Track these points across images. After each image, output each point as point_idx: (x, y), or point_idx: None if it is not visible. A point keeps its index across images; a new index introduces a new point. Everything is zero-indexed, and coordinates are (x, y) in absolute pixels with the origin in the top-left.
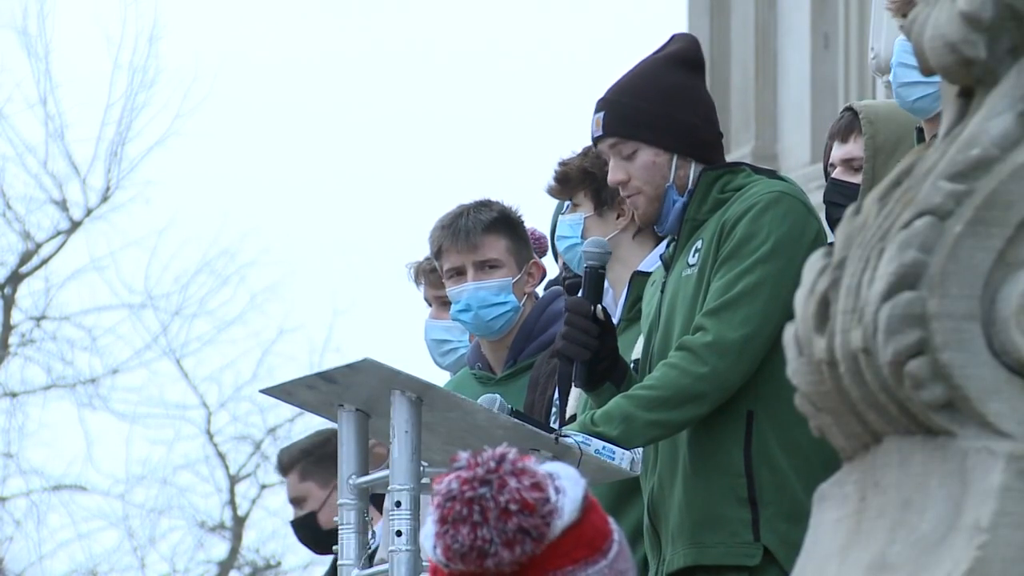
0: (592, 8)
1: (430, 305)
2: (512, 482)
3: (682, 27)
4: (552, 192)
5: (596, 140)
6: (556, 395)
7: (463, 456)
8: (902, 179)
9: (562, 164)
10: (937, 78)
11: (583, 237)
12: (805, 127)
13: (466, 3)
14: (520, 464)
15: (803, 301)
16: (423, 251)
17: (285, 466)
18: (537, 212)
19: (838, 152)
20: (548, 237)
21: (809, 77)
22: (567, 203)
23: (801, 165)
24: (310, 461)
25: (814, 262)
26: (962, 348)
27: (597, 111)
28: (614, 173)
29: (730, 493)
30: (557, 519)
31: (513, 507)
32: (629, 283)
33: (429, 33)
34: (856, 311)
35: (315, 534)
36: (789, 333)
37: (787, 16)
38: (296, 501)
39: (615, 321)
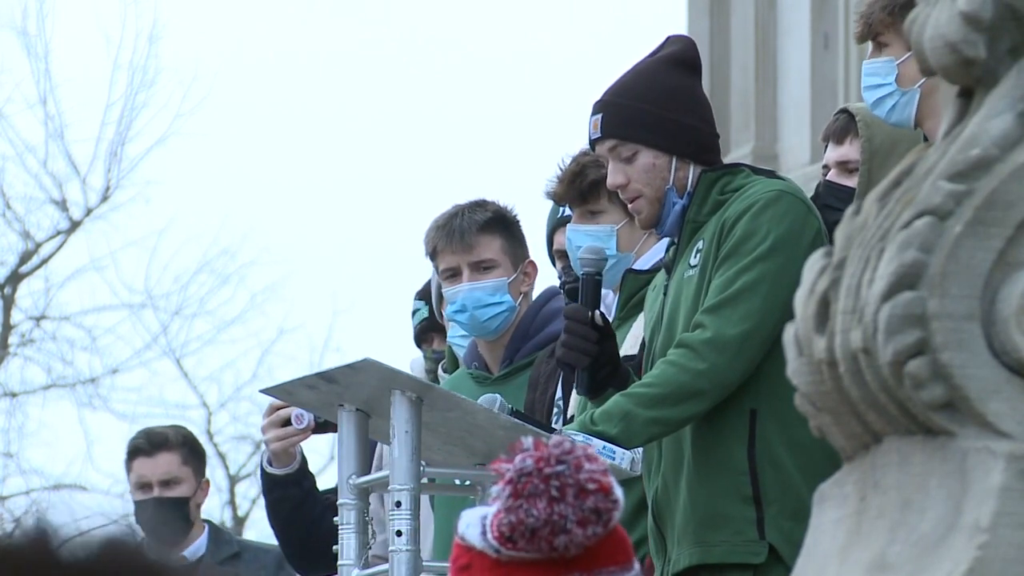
0: (592, 8)
1: None
2: (587, 464)
3: (682, 27)
4: (562, 196)
5: (594, 142)
6: (558, 395)
7: (527, 441)
8: (902, 179)
9: (580, 171)
10: (892, 81)
11: (618, 247)
12: (805, 127)
13: (466, 3)
14: (590, 451)
15: (803, 301)
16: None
17: (171, 442)
18: (533, 212)
19: (833, 154)
20: (547, 243)
21: (809, 77)
22: (564, 209)
23: (801, 165)
24: (192, 450)
25: (814, 262)
26: (962, 348)
27: (595, 113)
28: (613, 176)
29: (734, 492)
30: (617, 512)
31: (591, 486)
32: (622, 281)
33: (429, 33)
34: (856, 311)
35: (183, 518)
36: (789, 333)
37: (787, 16)
38: (168, 481)
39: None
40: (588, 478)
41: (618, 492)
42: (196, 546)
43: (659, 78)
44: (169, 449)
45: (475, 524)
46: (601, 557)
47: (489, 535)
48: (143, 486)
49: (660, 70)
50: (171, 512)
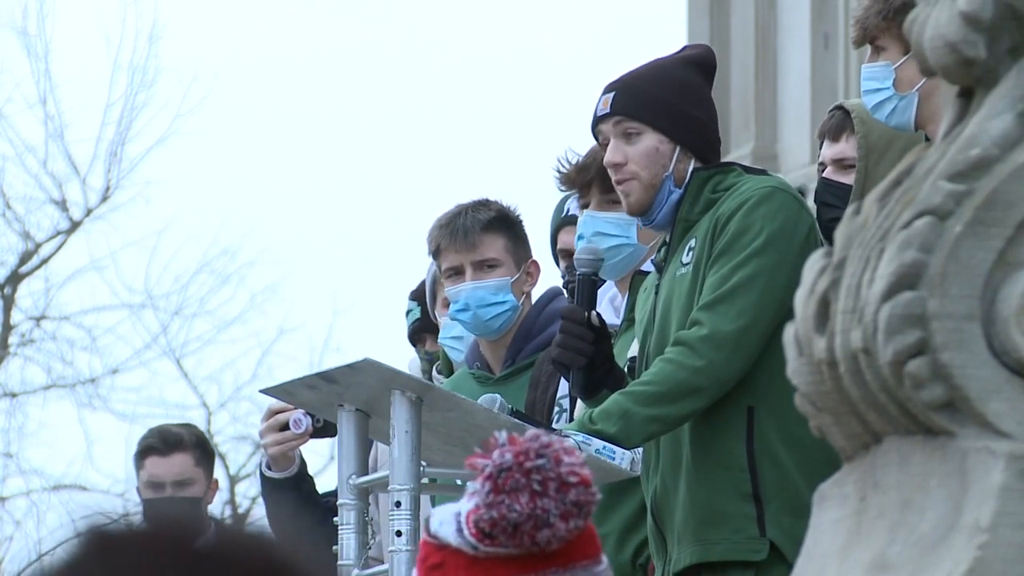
0: (592, 8)
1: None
2: (566, 457)
3: (682, 27)
4: (584, 182)
5: (599, 119)
6: (559, 394)
7: (500, 435)
8: (902, 179)
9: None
10: (890, 85)
11: (638, 238)
12: (805, 127)
13: (466, 3)
14: (567, 444)
15: (803, 301)
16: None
17: (186, 443)
18: (534, 213)
19: (829, 151)
20: (551, 243)
21: (809, 77)
22: (568, 208)
23: (801, 165)
24: (204, 451)
25: (814, 262)
26: (962, 348)
27: (606, 92)
28: (612, 154)
29: (733, 489)
30: (595, 505)
31: (573, 479)
32: (630, 283)
33: (429, 33)
34: (856, 311)
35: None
36: (789, 333)
37: (787, 16)
38: (182, 482)
39: (618, 322)
40: (569, 471)
41: (595, 487)
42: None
43: (674, 72)
44: (183, 450)
45: (449, 521)
46: (576, 551)
47: (466, 532)
48: (155, 485)
49: (676, 66)
50: (185, 512)
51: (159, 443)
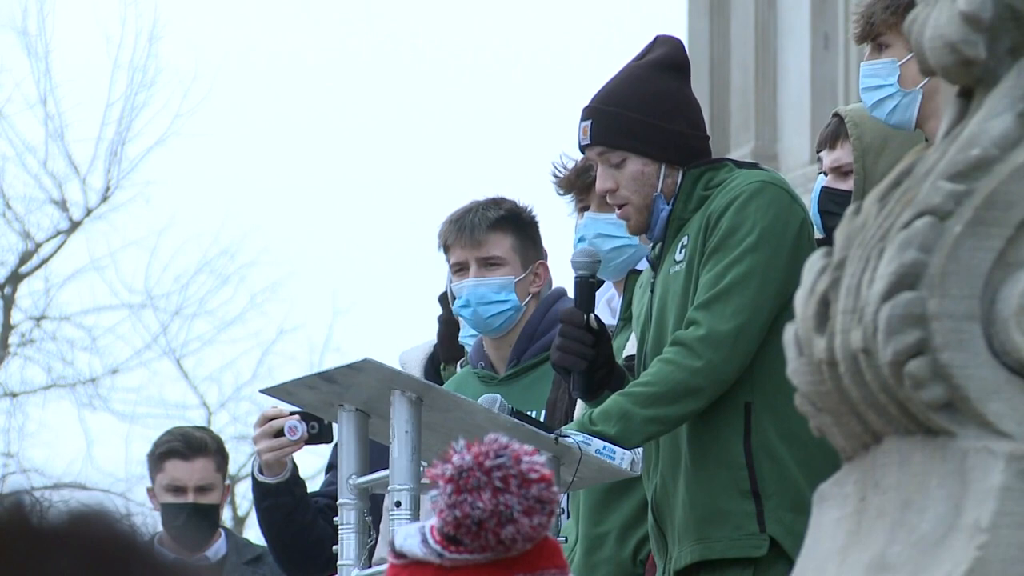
0: (594, 8)
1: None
2: (525, 456)
3: (682, 27)
4: (583, 186)
5: (583, 148)
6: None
7: (458, 443)
8: (902, 179)
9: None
10: (894, 82)
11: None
12: (805, 127)
13: (466, 3)
14: (525, 447)
15: (803, 301)
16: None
17: (209, 448)
18: (544, 212)
19: (827, 160)
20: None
21: (809, 77)
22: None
23: (801, 165)
24: (223, 456)
25: (814, 262)
26: (962, 348)
27: (584, 119)
28: (602, 182)
29: (732, 486)
30: (558, 503)
31: (534, 475)
32: (625, 282)
33: (430, 33)
34: (856, 311)
35: (213, 524)
36: (789, 333)
37: (787, 16)
38: (203, 488)
39: (615, 322)
40: (529, 468)
41: (557, 487)
42: (216, 548)
43: (647, 84)
44: (206, 455)
45: (413, 535)
46: (543, 558)
47: (431, 540)
48: (177, 490)
49: (648, 75)
50: (204, 519)
51: (183, 447)
